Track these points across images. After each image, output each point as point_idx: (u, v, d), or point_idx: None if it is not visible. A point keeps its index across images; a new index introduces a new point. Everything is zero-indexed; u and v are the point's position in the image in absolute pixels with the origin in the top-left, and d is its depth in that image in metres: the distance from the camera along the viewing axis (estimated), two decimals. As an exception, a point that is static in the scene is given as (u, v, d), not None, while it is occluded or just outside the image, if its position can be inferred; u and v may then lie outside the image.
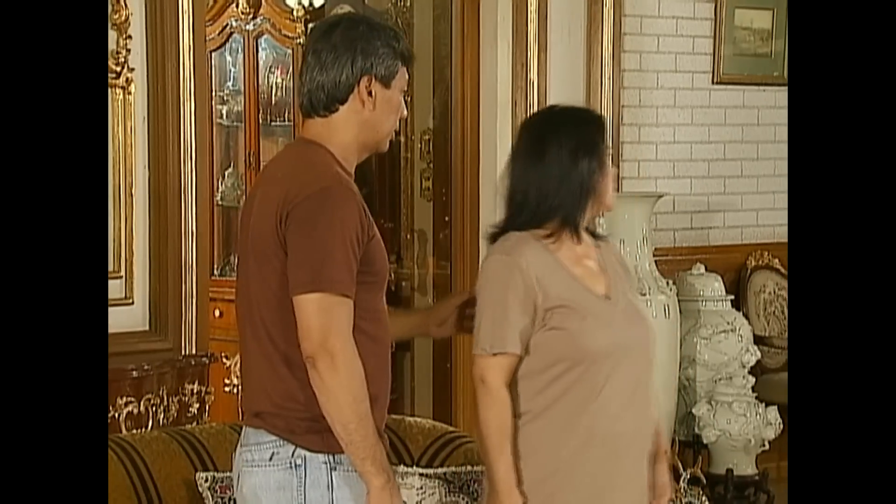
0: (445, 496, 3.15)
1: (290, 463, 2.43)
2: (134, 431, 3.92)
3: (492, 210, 5.34)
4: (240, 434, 2.55)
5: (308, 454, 2.43)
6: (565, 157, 2.77)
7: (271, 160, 2.83)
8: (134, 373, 4.09)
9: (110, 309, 4.10)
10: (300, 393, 2.43)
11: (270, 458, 2.45)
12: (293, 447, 2.44)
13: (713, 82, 5.71)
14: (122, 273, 4.38)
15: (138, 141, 4.39)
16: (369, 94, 2.50)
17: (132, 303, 4.40)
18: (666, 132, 5.61)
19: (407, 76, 2.57)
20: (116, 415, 4.01)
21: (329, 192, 2.41)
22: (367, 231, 2.44)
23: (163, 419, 4.12)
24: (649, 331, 2.83)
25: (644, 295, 5.12)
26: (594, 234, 2.87)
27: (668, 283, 5.18)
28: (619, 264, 2.89)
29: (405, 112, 2.59)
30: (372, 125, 2.52)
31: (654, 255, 5.24)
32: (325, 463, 2.43)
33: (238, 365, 5.52)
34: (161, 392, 4.13)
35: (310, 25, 6.27)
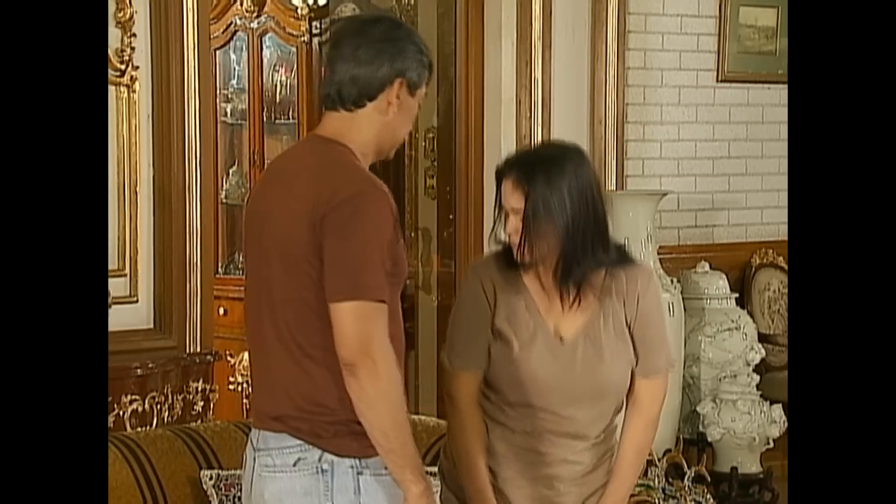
0: (450, 494, 3.15)
1: (317, 468, 2.39)
2: (139, 429, 3.92)
3: (496, 208, 5.35)
4: (245, 432, 2.54)
5: (335, 459, 2.39)
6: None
7: (283, 157, 2.79)
8: (138, 371, 4.09)
9: (115, 307, 4.14)
10: (326, 396, 2.39)
11: (295, 464, 2.40)
12: (320, 452, 2.40)
13: (718, 80, 5.71)
14: (127, 271, 4.39)
15: (142, 139, 4.39)
16: (397, 96, 2.47)
17: (137, 301, 4.41)
18: (670, 130, 5.61)
19: (425, 92, 2.55)
20: (121, 413, 4.01)
21: (365, 195, 2.37)
22: (397, 232, 2.41)
23: (167, 417, 4.12)
24: (605, 380, 2.74)
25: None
26: (623, 260, 2.74)
27: (672, 282, 5.17)
28: (622, 299, 2.73)
29: (408, 133, 2.58)
30: (391, 129, 2.50)
31: (658, 254, 5.24)
32: (352, 467, 2.40)
33: (242, 363, 5.54)
34: (165, 390, 4.13)
35: (315, 22, 6.27)
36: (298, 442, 2.41)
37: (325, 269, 2.36)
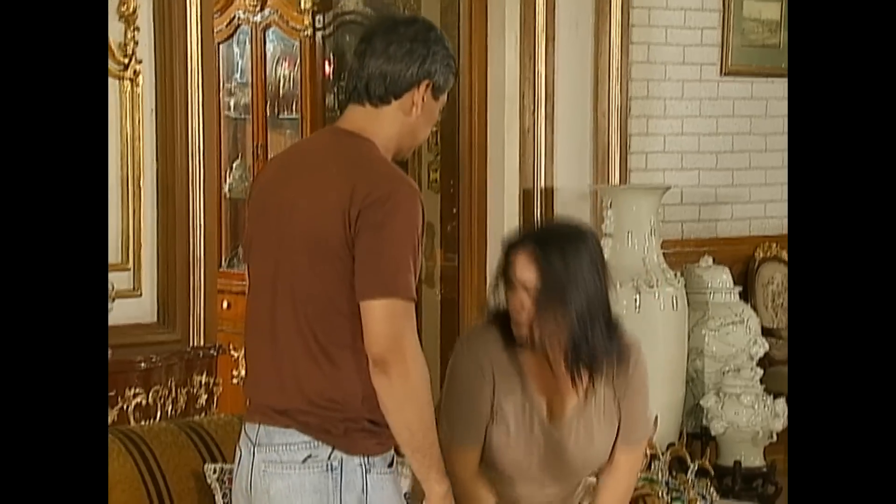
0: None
1: (327, 465, 2.38)
2: (142, 423, 3.93)
3: (499, 202, 5.35)
4: (248, 426, 2.51)
5: (344, 456, 2.38)
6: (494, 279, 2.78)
7: (301, 148, 2.77)
8: (142, 364, 4.09)
9: (118, 301, 4.15)
10: (339, 393, 2.38)
11: (305, 461, 2.39)
12: (329, 449, 2.38)
13: (721, 74, 5.70)
14: (131, 265, 4.39)
15: (146, 133, 4.40)
16: (422, 98, 2.47)
17: (140, 295, 4.41)
18: (674, 124, 5.61)
19: (446, 99, 2.56)
20: (125, 406, 4.02)
21: (402, 194, 2.36)
22: (424, 228, 2.42)
23: (171, 411, 4.12)
24: (593, 460, 2.79)
25: (652, 287, 5.12)
26: (616, 336, 2.73)
27: (675, 275, 5.17)
28: (613, 376, 2.75)
29: (427, 136, 2.58)
30: (411, 130, 2.50)
31: (661, 248, 5.23)
32: (360, 465, 2.39)
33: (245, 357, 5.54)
34: (169, 384, 4.13)
35: (318, 16, 6.26)
36: (307, 438, 2.39)
37: (357, 265, 2.35)
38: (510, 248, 2.73)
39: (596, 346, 2.68)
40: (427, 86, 2.48)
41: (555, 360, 2.73)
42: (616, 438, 2.80)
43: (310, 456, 2.39)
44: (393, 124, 2.47)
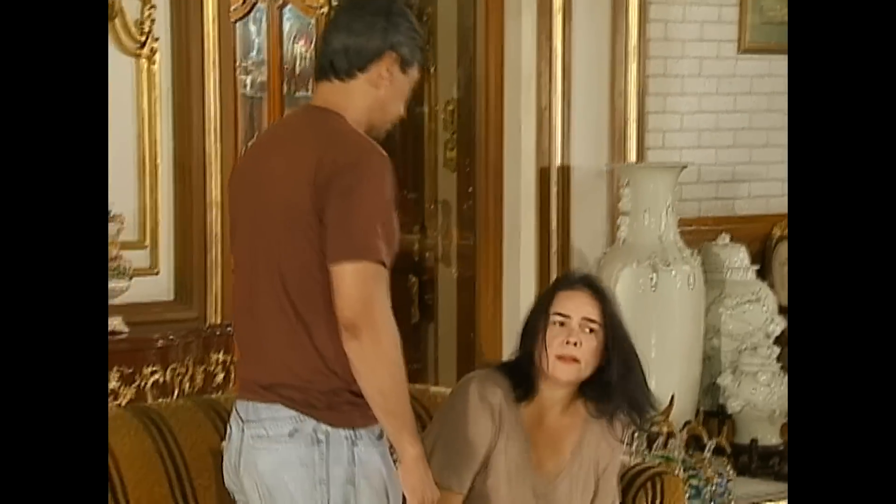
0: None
1: (312, 438, 2.40)
2: (160, 400, 3.94)
3: (515, 182, 5.34)
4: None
5: (330, 429, 2.40)
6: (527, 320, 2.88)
7: (275, 127, 2.83)
8: (160, 342, 4.11)
9: (136, 279, 4.16)
10: (322, 366, 2.40)
11: (291, 435, 2.41)
12: (314, 422, 2.40)
13: (739, 51, 5.67)
14: (148, 243, 4.41)
15: (163, 111, 4.40)
16: (388, 70, 2.50)
17: (158, 273, 4.43)
18: (691, 102, 5.58)
19: (417, 75, 2.57)
20: (142, 384, 4.03)
21: (369, 160, 2.39)
22: (393, 202, 2.43)
23: (188, 388, 4.14)
24: None
25: (668, 266, 5.11)
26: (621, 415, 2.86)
27: (692, 254, 5.16)
28: (599, 467, 2.87)
29: (403, 112, 2.58)
30: (382, 104, 2.52)
31: (678, 226, 5.22)
32: (347, 438, 2.41)
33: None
34: (187, 361, 4.15)
35: (333, -5, 6.25)
36: (292, 413, 2.41)
37: (327, 231, 2.37)
38: (563, 286, 2.85)
39: (646, 394, 2.86)
40: (393, 58, 2.50)
41: (559, 403, 2.82)
42: None
43: (295, 430, 2.41)
44: (362, 98, 2.49)
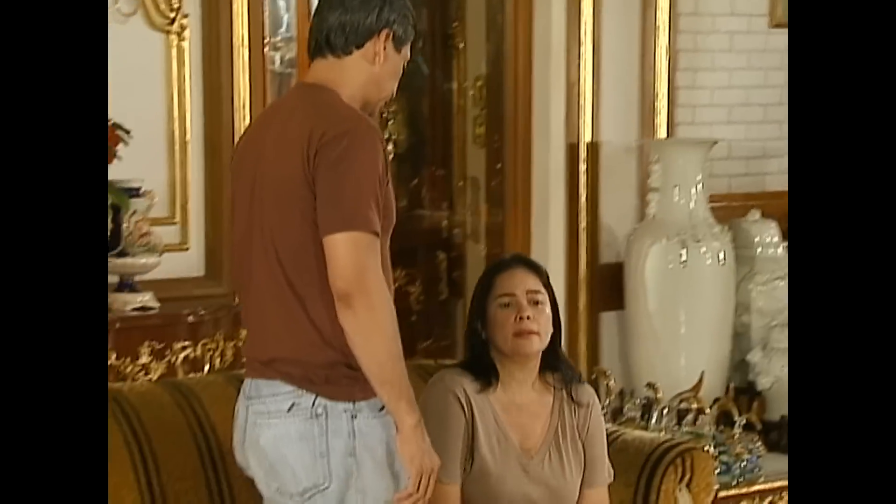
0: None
1: (311, 412, 2.41)
2: (191, 375, 3.96)
3: (544, 158, 5.32)
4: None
5: (329, 403, 2.41)
6: (470, 305, 2.98)
7: (271, 106, 2.85)
8: (190, 318, 4.12)
9: (166, 255, 4.18)
10: (319, 339, 2.41)
11: (289, 409, 2.42)
12: (313, 396, 2.41)
13: (770, 25, 5.62)
14: (178, 219, 4.42)
15: (193, 88, 4.41)
16: (384, 47, 2.51)
17: (188, 249, 4.44)
18: (722, 77, 5.54)
19: (408, 55, 2.59)
20: (173, 359, 4.05)
21: (358, 130, 2.40)
22: (387, 172, 2.44)
23: (219, 363, 4.16)
24: (567, 494, 2.92)
25: (699, 241, 5.09)
26: (578, 382, 2.98)
27: (722, 230, 5.14)
28: (576, 409, 2.95)
29: (394, 91, 2.59)
30: (376, 82, 2.53)
31: (708, 202, 5.20)
32: (346, 411, 2.42)
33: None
34: (217, 337, 4.17)
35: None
36: (291, 388, 2.42)
37: (318, 203, 2.38)
38: (500, 268, 2.95)
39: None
40: (387, 35, 2.51)
41: (522, 378, 2.91)
42: (581, 483, 2.94)
43: (294, 404, 2.42)
44: (358, 75, 2.51)
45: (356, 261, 2.35)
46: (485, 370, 2.90)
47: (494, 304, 2.91)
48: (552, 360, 2.95)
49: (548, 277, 2.98)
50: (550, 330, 2.92)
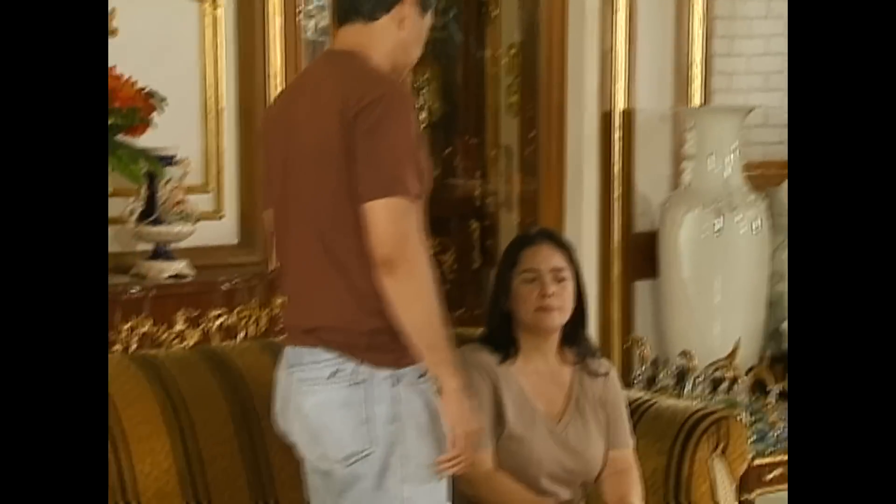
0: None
1: (354, 379, 2.42)
2: (226, 342, 3.99)
3: (578, 126, 5.30)
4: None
5: (371, 370, 2.42)
6: (494, 277, 3.02)
7: (301, 74, 2.86)
8: (225, 286, 4.15)
9: (201, 223, 4.20)
10: (360, 307, 2.41)
11: (332, 376, 2.43)
12: (355, 363, 2.42)
13: (807, -8, 5.56)
14: (213, 188, 4.44)
15: (226, 56, 4.41)
16: (410, 12, 2.50)
17: (222, 217, 4.46)
18: (758, 43, 5.49)
19: (431, 22, 2.58)
20: (208, 327, 4.08)
21: (393, 95, 2.40)
22: (420, 138, 2.43)
23: (253, 331, 4.18)
24: (592, 460, 2.97)
25: (734, 210, 5.06)
26: (593, 356, 3.01)
27: (758, 198, 5.11)
28: (601, 399, 2.99)
29: (418, 58, 2.59)
30: (404, 46, 2.52)
31: (744, 170, 5.17)
32: (388, 378, 2.42)
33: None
34: (252, 304, 4.19)
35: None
36: (333, 355, 2.43)
37: (357, 170, 2.37)
38: (524, 245, 2.96)
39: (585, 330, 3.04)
40: (413, 1, 2.50)
41: (545, 352, 2.94)
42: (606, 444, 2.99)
43: (336, 371, 2.42)
44: (386, 40, 2.50)
45: (396, 227, 2.35)
46: (504, 343, 2.93)
47: (519, 278, 2.93)
48: (572, 335, 2.98)
49: (574, 253, 3.00)
50: (572, 306, 2.95)
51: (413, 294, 2.36)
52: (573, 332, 2.98)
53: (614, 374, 3.05)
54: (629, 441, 3.03)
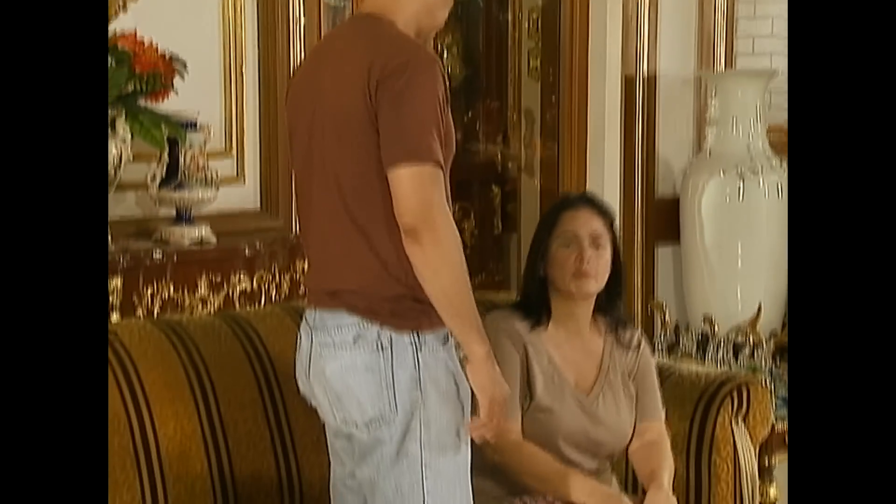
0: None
1: (377, 344, 2.41)
2: (248, 308, 4.00)
3: (600, 91, 5.27)
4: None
5: (394, 335, 2.41)
6: (532, 241, 2.98)
7: (328, 37, 2.84)
8: (246, 251, 4.15)
9: (222, 188, 4.20)
10: (384, 272, 2.41)
11: (355, 341, 2.43)
12: (378, 328, 2.41)
13: (833, -46, 5.50)
14: (234, 153, 4.44)
15: (248, 20, 4.40)
16: None
17: (243, 182, 4.46)
18: (782, 6, 5.37)
19: None
20: (230, 292, 4.09)
21: (418, 61, 2.38)
22: (447, 101, 2.42)
23: (275, 296, 4.19)
24: (622, 433, 2.95)
25: (756, 174, 5.03)
26: (625, 327, 2.99)
27: (781, 162, 5.08)
28: (632, 370, 2.97)
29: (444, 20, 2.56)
30: (429, 9, 2.50)
31: (767, 134, 5.14)
32: (412, 343, 2.42)
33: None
34: (273, 270, 4.19)
35: None
36: (356, 319, 2.42)
37: (381, 137, 2.36)
38: (565, 207, 2.93)
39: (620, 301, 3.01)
40: None
41: (578, 317, 2.93)
42: (636, 416, 2.97)
43: (359, 336, 2.42)
44: (411, 2, 2.48)
45: (422, 195, 2.34)
46: (536, 308, 2.91)
47: (557, 241, 2.90)
48: (606, 303, 2.96)
49: (614, 220, 2.97)
50: (607, 273, 2.92)
51: (439, 261, 2.36)
52: (608, 301, 2.95)
53: (646, 346, 3.02)
54: (660, 413, 3.00)
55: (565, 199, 3.05)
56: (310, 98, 2.50)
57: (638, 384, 2.98)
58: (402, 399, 2.41)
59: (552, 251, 2.90)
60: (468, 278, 2.41)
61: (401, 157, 2.35)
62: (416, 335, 2.42)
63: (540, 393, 2.86)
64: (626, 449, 2.97)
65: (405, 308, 2.41)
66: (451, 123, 2.45)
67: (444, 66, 2.48)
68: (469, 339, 2.40)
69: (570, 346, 2.92)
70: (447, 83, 2.42)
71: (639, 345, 3.00)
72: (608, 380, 2.94)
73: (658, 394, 3.01)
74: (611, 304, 2.96)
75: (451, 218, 2.39)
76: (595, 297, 2.94)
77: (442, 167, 2.38)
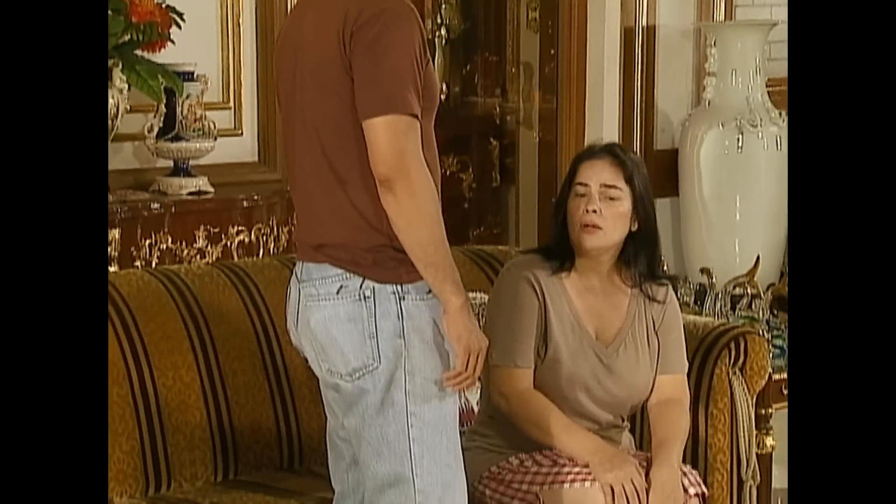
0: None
1: (359, 295, 2.42)
2: (246, 259, 4.00)
3: (599, 43, 5.25)
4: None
5: (376, 285, 2.42)
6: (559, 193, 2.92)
7: None
8: (244, 203, 4.15)
9: (220, 140, 4.19)
10: (363, 223, 2.41)
11: (338, 292, 2.43)
12: (360, 279, 2.42)
13: None
14: (231, 104, 4.42)
15: (245, -29, 4.38)
16: None
17: (241, 134, 4.45)
18: (782, -43, 5.41)
19: None
20: (228, 243, 4.09)
21: (393, 11, 2.37)
22: (426, 52, 2.40)
23: (273, 248, 4.19)
24: (640, 386, 2.90)
25: (755, 126, 5.02)
26: (654, 281, 2.90)
27: (780, 115, 5.07)
28: (653, 303, 2.90)
29: None
30: None
31: (766, 86, 5.12)
32: (394, 293, 2.42)
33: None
34: (271, 222, 4.19)
35: None
36: (339, 271, 2.43)
37: (356, 87, 2.35)
38: (583, 158, 2.86)
39: (650, 253, 2.88)
40: None
41: (595, 273, 2.86)
42: (657, 369, 2.91)
43: (342, 287, 2.43)
44: None
45: (396, 145, 2.34)
46: (560, 253, 2.85)
47: (573, 191, 2.84)
48: (632, 256, 2.87)
49: (635, 172, 2.84)
50: (622, 227, 2.82)
51: (413, 212, 2.36)
52: (634, 254, 2.86)
53: (673, 301, 2.94)
54: (682, 366, 2.94)
55: (588, 148, 2.94)
56: (293, 46, 2.48)
57: (662, 337, 2.92)
58: (385, 348, 2.42)
59: (569, 201, 2.85)
60: (443, 228, 2.41)
61: (375, 106, 2.34)
62: (398, 286, 2.42)
63: (557, 343, 2.82)
64: (645, 403, 2.92)
65: (386, 258, 2.42)
66: (434, 74, 2.44)
67: (442, 19, 2.45)
68: (444, 290, 2.41)
69: (592, 296, 2.86)
70: (424, 32, 2.40)
71: (666, 300, 2.92)
72: (631, 333, 2.88)
73: (683, 348, 2.95)
74: (637, 258, 2.87)
75: (426, 169, 2.38)
76: (617, 250, 2.86)
77: (418, 118, 2.37)
